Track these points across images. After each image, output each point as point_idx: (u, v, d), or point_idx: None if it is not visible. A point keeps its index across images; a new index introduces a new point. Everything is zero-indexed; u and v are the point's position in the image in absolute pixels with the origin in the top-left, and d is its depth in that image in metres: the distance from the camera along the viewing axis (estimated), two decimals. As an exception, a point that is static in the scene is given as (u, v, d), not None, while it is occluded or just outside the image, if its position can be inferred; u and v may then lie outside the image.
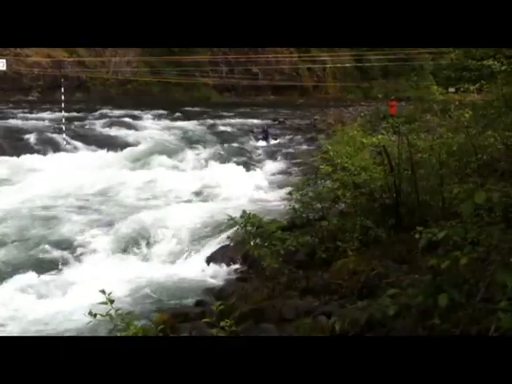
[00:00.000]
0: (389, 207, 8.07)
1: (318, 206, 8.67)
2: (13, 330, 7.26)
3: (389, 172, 8.17)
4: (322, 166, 9.36)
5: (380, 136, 9.40)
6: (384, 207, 8.13)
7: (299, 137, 22.96)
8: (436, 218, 6.27)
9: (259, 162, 18.86)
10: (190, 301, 7.94)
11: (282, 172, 17.19)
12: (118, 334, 3.76)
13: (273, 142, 22.35)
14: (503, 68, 7.90)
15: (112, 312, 3.81)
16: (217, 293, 7.89)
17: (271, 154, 19.83)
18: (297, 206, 8.52)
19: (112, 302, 3.81)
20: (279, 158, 19.22)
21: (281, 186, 14.91)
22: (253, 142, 21.94)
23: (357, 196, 8.30)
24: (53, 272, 9.38)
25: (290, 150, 20.38)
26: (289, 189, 9.34)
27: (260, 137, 22.44)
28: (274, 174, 16.94)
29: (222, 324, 3.94)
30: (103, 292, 3.84)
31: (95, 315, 3.79)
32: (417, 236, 3.79)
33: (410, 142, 8.23)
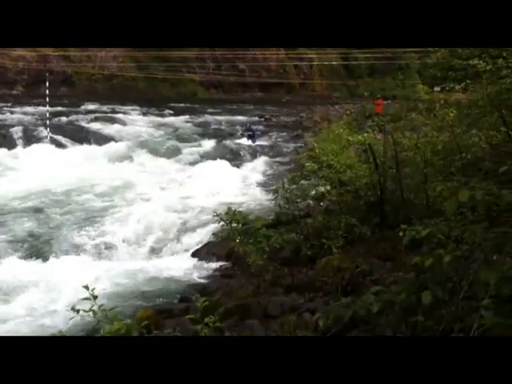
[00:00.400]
0: (374, 205, 8.10)
1: (304, 203, 8.69)
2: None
3: (374, 170, 8.20)
4: (307, 164, 9.38)
5: (366, 134, 9.43)
6: (369, 205, 8.16)
7: (285, 134, 22.98)
8: (420, 216, 6.30)
9: (245, 158, 18.83)
10: (174, 297, 7.91)
11: (267, 169, 17.18)
12: (102, 330, 3.74)
13: (259, 139, 21.62)
14: (488, 68, 7.95)
15: (95, 308, 3.78)
16: (201, 289, 7.87)
17: (257, 151, 19.81)
18: (282, 203, 8.53)
19: (95, 297, 3.78)
20: (265, 155, 19.21)
21: (266, 183, 14.92)
22: (239, 140, 21.45)
23: (342, 193, 8.32)
24: (34, 266, 9.30)
25: (276, 148, 20.38)
26: (274, 186, 9.33)
27: (246, 134, 21.68)
28: (259, 171, 16.93)
29: (206, 320, 3.92)
30: (86, 288, 3.80)
31: (78, 311, 3.75)
32: (401, 234, 3.80)
33: (396, 141, 8.26)
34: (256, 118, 26.10)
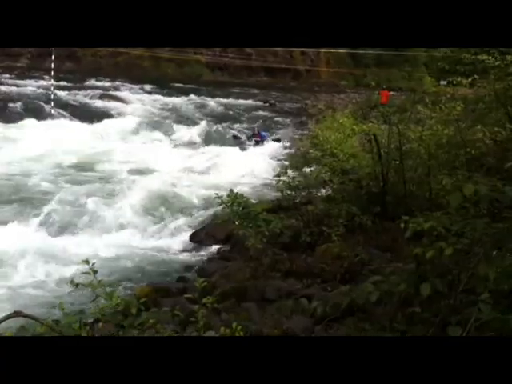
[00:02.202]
0: (375, 195, 8.11)
1: (305, 190, 8.69)
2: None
3: (377, 160, 8.19)
4: (311, 151, 9.38)
5: (370, 124, 9.42)
6: (370, 195, 8.17)
7: (289, 120, 22.91)
8: (422, 209, 6.32)
9: (247, 143, 18.80)
10: (172, 277, 7.95)
11: (270, 154, 17.15)
12: (100, 305, 3.75)
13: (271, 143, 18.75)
14: (497, 63, 7.93)
15: (94, 282, 3.79)
16: (199, 270, 7.91)
17: (260, 137, 19.74)
18: (284, 188, 8.53)
19: (95, 272, 3.79)
20: (268, 140, 19.17)
21: (269, 168, 14.91)
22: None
23: (344, 182, 8.32)
24: (34, 241, 9.32)
25: (279, 134, 20.32)
26: (277, 171, 9.33)
27: (253, 140, 18.78)
28: (261, 156, 16.90)
29: (204, 301, 3.94)
30: (86, 262, 3.80)
31: (77, 285, 3.76)
32: (402, 225, 3.80)
33: (400, 132, 8.25)
34: (261, 103, 25.96)
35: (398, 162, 8.22)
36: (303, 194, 8.65)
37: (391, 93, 19.30)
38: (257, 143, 18.70)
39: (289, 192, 8.44)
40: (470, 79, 9.06)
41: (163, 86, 26.44)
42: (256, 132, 19.12)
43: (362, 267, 5.98)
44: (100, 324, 4.16)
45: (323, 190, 9.00)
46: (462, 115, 8.35)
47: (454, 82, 9.80)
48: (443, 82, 12.51)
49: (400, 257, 5.78)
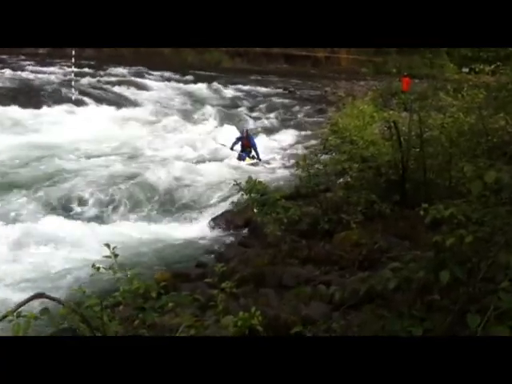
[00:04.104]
0: (395, 183, 8.07)
1: (324, 177, 8.68)
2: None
3: (397, 148, 8.14)
4: (330, 138, 9.34)
5: (391, 111, 9.35)
6: (390, 182, 8.13)
7: (308, 107, 22.80)
8: (441, 197, 6.27)
9: (267, 130, 18.76)
10: (192, 262, 8.01)
11: (289, 142, 17.11)
12: (121, 288, 3.80)
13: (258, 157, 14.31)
14: (521, 50, 7.80)
15: (115, 266, 3.84)
16: (218, 256, 7.95)
17: (279, 124, 19.71)
18: (303, 175, 8.51)
19: (116, 256, 3.84)
20: (287, 127, 19.11)
21: (287, 155, 14.89)
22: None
23: (363, 170, 8.29)
24: (59, 225, 9.46)
25: (299, 121, 20.25)
26: (296, 158, 9.32)
27: (236, 149, 14.43)
28: (281, 143, 16.88)
29: (223, 285, 3.98)
30: (108, 246, 3.85)
31: (98, 268, 3.81)
32: (421, 213, 3.78)
33: (421, 119, 8.18)
34: (280, 90, 25.84)
35: (418, 150, 8.16)
36: (322, 181, 8.63)
37: (412, 80, 19.10)
38: (245, 153, 14.16)
39: (307, 179, 8.43)
40: (492, 66, 8.91)
41: (183, 73, 26.46)
42: (244, 135, 14.53)
43: (380, 254, 5.96)
44: (121, 307, 4.24)
45: (342, 178, 8.98)
46: (484, 103, 8.24)
47: (477, 69, 9.66)
48: (465, 69, 12.34)
49: (419, 244, 5.75)
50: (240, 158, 14.14)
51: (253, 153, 14.35)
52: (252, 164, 13.98)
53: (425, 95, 10.39)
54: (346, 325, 4.15)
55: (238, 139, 14.54)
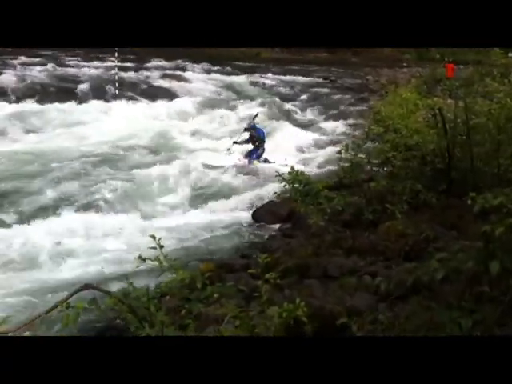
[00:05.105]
0: (440, 171, 7.91)
1: (367, 166, 8.56)
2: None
3: (442, 136, 7.96)
4: (373, 127, 9.20)
5: (435, 98, 9.14)
6: (435, 171, 7.97)
7: (350, 96, 22.52)
8: (489, 185, 6.12)
9: (307, 121, 18.64)
10: (235, 253, 8.06)
11: (331, 131, 16.97)
12: (166, 279, 3.85)
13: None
14: None
15: (161, 257, 3.89)
16: (261, 247, 7.97)
17: (321, 114, 19.55)
18: (345, 165, 8.43)
19: (161, 247, 3.88)
20: (329, 117, 18.94)
21: (330, 144, 14.78)
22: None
23: (408, 158, 8.14)
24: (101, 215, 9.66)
25: (340, 110, 20.03)
26: (338, 148, 9.22)
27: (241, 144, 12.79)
28: (323, 133, 16.75)
29: (267, 276, 3.98)
30: (153, 237, 3.90)
31: (144, 259, 3.87)
32: (469, 202, 3.69)
33: (467, 106, 7.98)
34: (320, 80, 25.61)
35: (464, 137, 7.97)
36: (365, 170, 8.52)
37: (457, 66, 18.63)
38: (254, 153, 12.48)
39: (350, 169, 8.34)
40: (542, 49, 8.61)
41: (223, 64, 26.51)
42: (250, 126, 12.74)
43: (427, 245, 5.85)
44: (167, 297, 4.30)
45: (385, 167, 8.84)
46: (533, 88, 7.97)
47: (525, 53, 9.35)
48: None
49: (466, 234, 5.63)
50: (248, 156, 12.37)
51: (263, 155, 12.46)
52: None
53: (470, 81, 10.11)
54: (393, 316, 4.10)
55: (246, 130, 12.71)
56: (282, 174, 7.49)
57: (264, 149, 12.43)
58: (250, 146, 12.71)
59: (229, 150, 12.45)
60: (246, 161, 12.15)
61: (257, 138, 12.45)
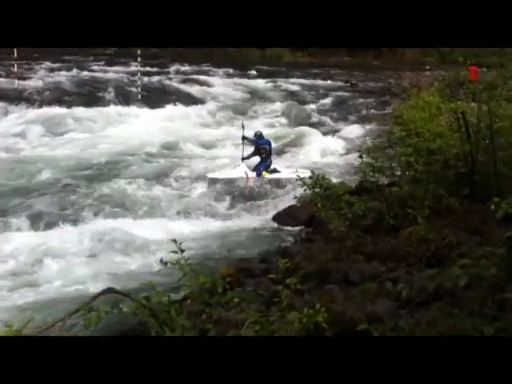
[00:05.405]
0: (463, 176, 7.82)
1: (389, 171, 8.51)
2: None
3: (465, 140, 7.88)
4: (395, 131, 9.15)
5: (458, 102, 9.06)
6: (458, 176, 7.89)
7: (371, 100, 22.41)
8: (514, 190, 6.04)
9: (329, 124, 18.58)
10: (255, 258, 8.06)
11: (352, 135, 16.89)
12: (187, 283, 3.85)
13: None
14: None
15: (182, 262, 3.90)
16: (282, 251, 7.96)
17: (342, 117, 19.48)
18: (367, 170, 8.38)
19: (182, 251, 3.90)
20: (350, 121, 18.87)
21: (351, 149, 14.71)
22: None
23: (430, 163, 8.06)
24: (122, 220, 9.73)
25: (362, 114, 19.94)
26: (358, 152, 9.18)
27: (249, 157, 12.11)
28: (343, 137, 16.68)
29: (287, 282, 3.97)
30: (174, 241, 3.92)
31: (166, 263, 3.88)
32: (492, 207, 3.65)
33: (491, 110, 7.88)
34: (342, 83, 25.54)
35: (487, 141, 7.88)
36: (386, 175, 8.46)
37: (480, 69, 18.41)
38: (261, 165, 11.82)
39: (371, 173, 8.29)
40: None
41: (245, 68, 26.60)
42: (256, 137, 12.00)
43: (449, 251, 5.79)
44: (188, 301, 4.32)
45: (407, 172, 8.77)
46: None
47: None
48: (537, 57, 11.80)
49: (490, 240, 5.55)
50: (256, 169, 11.84)
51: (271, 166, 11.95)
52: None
53: (494, 84, 9.99)
54: (414, 323, 4.06)
55: (252, 141, 12.00)
56: (303, 178, 7.48)
57: (271, 160, 11.98)
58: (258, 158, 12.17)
59: (236, 166, 11.97)
60: (254, 174, 11.74)
61: (264, 150, 11.94)
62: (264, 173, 11.76)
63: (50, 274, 7.72)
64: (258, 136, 11.92)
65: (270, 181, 11.73)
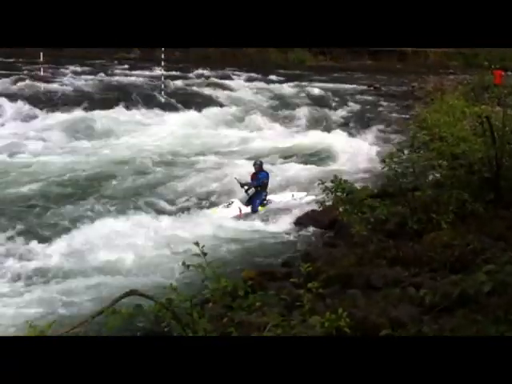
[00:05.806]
0: (488, 181, 7.71)
1: (412, 175, 8.43)
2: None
3: (490, 144, 7.78)
4: (418, 135, 9.07)
5: (483, 106, 8.97)
6: (483, 181, 7.78)
7: (395, 104, 22.28)
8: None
9: (353, 128, 18.50)
10: (277, 261, 8.06)
11: (375, 139, 16.80)
12: (210, 286, 3.86)
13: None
14: None
15: (204, 264, 3.90)
16: (303, 255, 7.93)
17: (365, 121, 19.39)
18: (390, 174, 8.32)
19: (205, 254, 3.90)
20: (373, 124, 18.77)
21: (373, 153, 14.63)
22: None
23: (454, 167, 7.98)
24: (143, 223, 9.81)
25: (385, 117, 19.84)
26: (381, 157, 9.12)
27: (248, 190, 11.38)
28: (367, 141, 16.61)
29: (309, 286, 3.96)
30: (197, 244, 3.92)
31: (188, 266, 3.89)
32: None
33: (517, 113, 7.80)
34: (365, 87, 25.44)
35: (513, 146, 7.78)
36: (409, 179, 8.39)
37: (505, 73, 18.20)
38: (257, 200, 11.11)
39: (395, 178, 8.22)
40: None
41: (268, 72, 26.67)
42: (256, 169, 11.27)
43: (473, 256, 5.71)
44: (210, 304, 4.33)
45: (431, 176, 8.69)
46: None
47: None
48: None
49: (516, 246, 5.48)
50: (250, 204, 11.08)
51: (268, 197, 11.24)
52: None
53: (520, 88, 9.89)
54: (438, 329, 4.02)
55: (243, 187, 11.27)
56: (325, 182, 7.46)
57: (267, 192, 11.31)
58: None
59: (229, 204, 10.94)
60: (249, 209, 10.98)
61: (262, 184, 11.25)
62: (260, 208, 11.09)
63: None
64: (258, 166, 11.27)
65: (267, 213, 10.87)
